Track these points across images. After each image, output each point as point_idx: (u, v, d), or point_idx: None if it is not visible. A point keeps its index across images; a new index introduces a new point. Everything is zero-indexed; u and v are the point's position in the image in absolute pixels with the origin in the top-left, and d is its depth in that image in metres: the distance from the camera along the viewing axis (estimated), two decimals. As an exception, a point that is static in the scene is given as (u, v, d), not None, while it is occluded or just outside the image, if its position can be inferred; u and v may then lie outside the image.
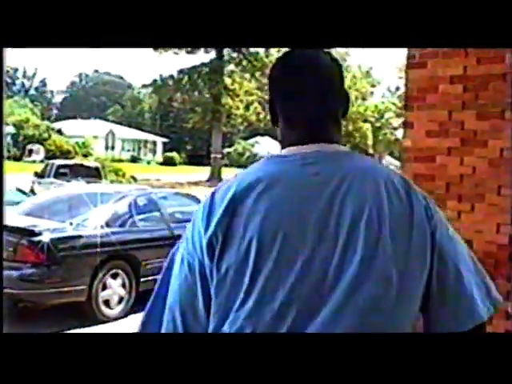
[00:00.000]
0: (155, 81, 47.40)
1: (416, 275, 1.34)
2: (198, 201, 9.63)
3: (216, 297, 1.34)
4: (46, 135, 47.34)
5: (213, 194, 1.42)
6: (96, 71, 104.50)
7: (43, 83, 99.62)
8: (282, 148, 1.47)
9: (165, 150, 68.54)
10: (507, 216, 4.56)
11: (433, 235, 1.40)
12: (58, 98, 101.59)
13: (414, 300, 1.35)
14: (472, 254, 1.54)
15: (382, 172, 1.45)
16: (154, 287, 1.60)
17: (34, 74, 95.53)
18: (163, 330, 1.53)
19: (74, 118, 66.74)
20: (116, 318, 6.96)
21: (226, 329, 1.37)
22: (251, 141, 73.17)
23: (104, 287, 6.90)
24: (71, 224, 6.93)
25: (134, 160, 61.90)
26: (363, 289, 1.27)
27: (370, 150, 63.01)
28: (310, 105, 1.44)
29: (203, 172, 43.89)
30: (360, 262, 1.26)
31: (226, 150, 62.18)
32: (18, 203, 8.85)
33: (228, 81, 41.22)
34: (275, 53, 36.34)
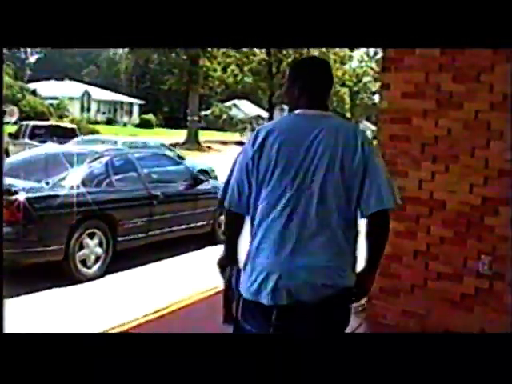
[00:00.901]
0: (131, 41, 46.76)
1: (355, 180, 2.52)
2: (174, 162, 9.63)
3: (255, 188, 2.62)
4: (19, 96, 46.62)
5: (257, 132, 2.68)
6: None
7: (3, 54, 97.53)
8: (295, 109, 2.70)
9: (141, 112, 67.84)
10: (480, 177, 4.64)
11: (365, 159, 2.53)
12: (31, 59, 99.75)
13: (353, 191, 2.52)
14: (387, 174, 2.63)
15: (346, 125, 2.71)
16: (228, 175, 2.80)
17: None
18: (229, 193, 2.74)
19: (49, 78, 65.55)
20: (93, 278, 6.98)
21: (263, 196, 2.59)
22: (228, 103, 72.72)
23: (81, 247, 6.90)
24: (47, 183, 6.89)
25: (110, 122, 61.23)
26: (327, 184, 2.50)
27: (348, 114, 63.04)
28: (316, 90, 2.71)
29: (180, 135, 43.65)
30: (325, 169, 2.50)
31: (203, 112, 61.80)
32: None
33: (205, 42, 40.74)
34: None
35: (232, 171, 2.75)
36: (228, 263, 2.92)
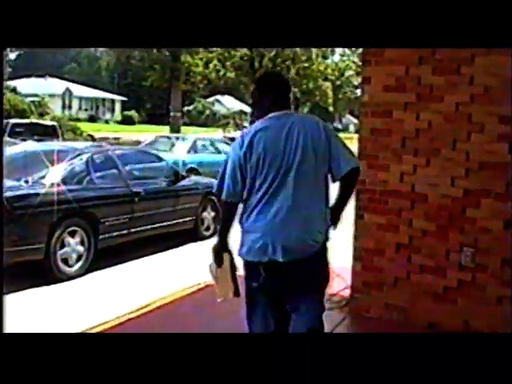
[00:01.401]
0: (112, 37, 46.44)
1: (324, 155, 3.26)
2: (157, 158, 9.57)
3: (247, 177, 3.27)
4: (-1, 93, 46.21)
5: (242, 135, 3.36)
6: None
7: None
8: (265, 115, 3.38)
9: (123, 109, 67.51)
10: (462, 170, 4.65)
11: (328, 140, 3.28)
12: (11, 55, 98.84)
13: (323, 165, 3.27)
14: (346, 146, 3.35)
15: (311, 118, 3.47)
16: (222, 170, 3.40)
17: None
18: (225, 187, 3.35)
19: (29, 76, 64.97)
20: (75, 276, 6.92)
21: (257, 184, 3.27)
22: (211, 99, 72.55)
23: (62, 245, 6.83)
24: (27, 182, 6.82)
25: (92, 119, 60.87)
26: (304, 164, 3.23)
27: (331, 108, 63.13)
28: (282, 97, 3.44)
29: (162, 131, 43.48)
30: (301, 152, 3.22)
31: (186, 108, 61.62)
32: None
33: (187, 38, 40.55)
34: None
35: (224, 170, 3.39)
36: (222, 249, 3.55)
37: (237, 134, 53.50)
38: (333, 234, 3.42)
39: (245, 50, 48.39)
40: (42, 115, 38.78)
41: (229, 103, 75.68)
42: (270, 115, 3.37)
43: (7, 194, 6.34)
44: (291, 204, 3.23)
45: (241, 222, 3.45)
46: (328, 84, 57.00)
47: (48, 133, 19.41)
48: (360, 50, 7.37)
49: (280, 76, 4.05)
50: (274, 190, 3.25)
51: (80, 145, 10.33)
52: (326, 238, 3.36)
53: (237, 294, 3.66)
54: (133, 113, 63.57)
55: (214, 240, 3.61)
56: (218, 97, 74.69)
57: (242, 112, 65.83)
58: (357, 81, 54.78)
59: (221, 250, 3.56)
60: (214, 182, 7.87)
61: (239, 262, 3.53)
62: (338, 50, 60.96)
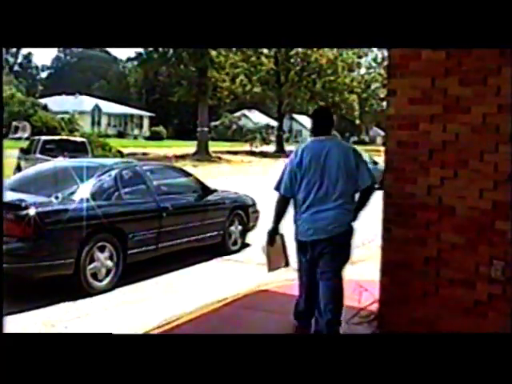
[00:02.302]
0: (140, 54, 46.89)
1: (352, 173, 4.88)
2: (185, 173, 9.62)
3: (298, 180, 4.94)
4: (31, 111, 46.88)
5: (297, 150, 5.08)
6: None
7: (28, 59, 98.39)
8: (315, 137, 5.08)
9: (151, 125, 68.13)
10: (490, 181, 4.59)
11: (356, 161, 4.91)
12: (43, 74, 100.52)
13: (350, 179, 4.86)
14: (368, 168, 4.99)
15: (344, 144, 5.30)
16: (282, 174, 5.11)
17: (18, 50, 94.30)
18: (283, 185, 5.02)
19: (60, 93, 65.99)
20: (104, 290, 6.97)
21: (303, 185, 4.92)
22: (238, 113, 72.82)
23: (91, 260, 6.90)
24: (57, 198, 6.90)
25: (121, 135, 61.55)
26: (337, 176, 4.85)
27: (357, 121, 62.93)
28: (324, 126, 5.14)
29: (190, 146, 43.75)
30: (336, 168, 4.85)
31: (213, 123, 61.94)
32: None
33: (213, 53, 40.84)
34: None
35: (283, 173, 5.10)
36: (275, 233, 5.29)
37: (263, 147, 53.75)
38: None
39: (271, 65, 48.58)
40: (72, 132, 39.34)
41: (255, 118, 75.89)
42: (315, 138, 5.09)
43: (38, 209, 6.44)
44: (321, 203, 4.89)
45: (295, 217, 5.12)
46: (354, 97, 56.87)
47: (78, 149, 19.61)
48: (386, 63, 7.39)
49: (325, 111, 5.78)
50: (314, 194, 4.90)
51: (109, 161, 10.43)
52: (350, 228, 4.98)
53: (287, 264, 5.52)
54: (161, 128, 64.14)
55: (269, 225, 5.31)
56: (245, 111, 74.94)
57: (268, 126, 65.96)
58: (383, 93, 54.55)
59: (274, 234, 5.31)
60: (241, 196, 8.30)
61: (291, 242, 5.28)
62: (364, 63, 60.84)
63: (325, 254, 4.88)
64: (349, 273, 7.55)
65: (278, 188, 5.09)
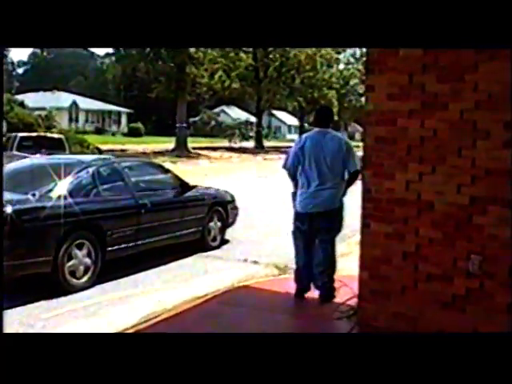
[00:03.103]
0: (118, 50, 46.61)
1: (342, 159, 6.10)
2: (164, 170, 9.58)
3: (298, 161, 6.23)
4: (7, 108, 46.38)
5: (300, 138, 6.46)
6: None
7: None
8: (315, 128, 6.32)
9: (130, 121, 67.77)
10: (468, 177, 4.62)
11: (347, 151, 6.11)
12: (19, 70, 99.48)
13: (340, 164, 6.10)
14: (355, 155, 6.15)
15: (337, 136, 6.32)
16: (286, 157, 6.53)
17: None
18: (287, 163, 6.36)
19: (37, 90, 65.33)
20: (83, 288, 6.93)
21: (303, 167, 6.17)
22: (216, 109, 72.76)
23: (70, 258, 6.84)
24: (34, 195, 6.84)
25: (99, 131, 61.12)
26: (331, 162, 6.06)
27: (336, 117, 63.12)
28: (323, 121, 6.34)
29: (169, 142, 43.61)
30: (331, 155, 6.06)
31: (192, 119, 61.78)
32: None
33: (192, 49, 40.70)
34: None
35: (288, 155, 6.38)
36: (295, 193, 6.36)
37: (243, 143, 53.71)
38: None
39: (250, 61, 48.54)
40: (49, 128, 38.95)
41: (234, 113, 75.86)
42: (316, 129, 6.27)
43: (15, 207, 6.37)
44: (318, 183, 6.07)
45: (295, 193, 6.29)
46: (333, 92, 57.08)
47: (55, 146, 19.45)
48: (364, 59, 7.50)
49: (326, 109, 7.45)
50: (310, 174, 6.09)
51: (87, 158, 10.35)
52: (341, 203, 6.21)
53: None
54: (139, 125, 63.80)
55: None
56: (224, 107, 74.93)
57: (247, 122, 65.95)
58: (361, 89, 54.77)
59: (295, 193, 6.36)
60: (221, 192, 8.16)
61: None
62: (343, 59, 61.04)
63: (321, 228, 6.10)
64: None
65: (284, 166, 6.41)
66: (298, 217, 6.24)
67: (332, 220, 6.12)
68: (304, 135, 6.42)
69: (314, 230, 6.12)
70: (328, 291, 6.10)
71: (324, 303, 6.04)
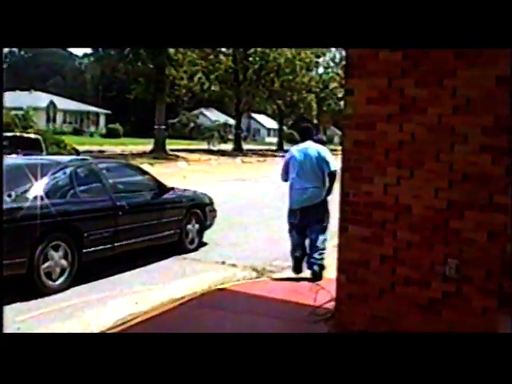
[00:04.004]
0: (97, 50, 46.33)
1: (323, 163, 7.64)
2: (141, 172, 9.53)
3: (291, 170, 7.81)
4: (-18, 107, 45.89)
5: (291, 150, 8.14)
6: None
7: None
8: (301, 142, 8.05)
9: (108, 122, 67.42)
10: (445, 181, 4.65)
11: (326, 157, 7.68)
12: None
13: (322, 168, 7.64)
14: (333, 159, 7.72)
15: (318, 146, 7.84)
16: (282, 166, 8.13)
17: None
18: (281, 174, 8.02)
19: (14, 89, 64.70)
20: (58, 290, 6.86)
21: (293, 173, 7.74)
22: (195, 112, 72.62)
23: (45, 259, 6.77)
24: (10, 196, 6.75)
25: (77, 132, 60.71)
26: (314, 167, 7.65)
27: (315, 121, 63.33)
28: (306, 136, 8.07)
29: (147, 144, 43.43)
30: (314, 162, 7.64)
31: (170, 121, 61.60)
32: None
33: (171, 51, 40.58)
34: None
35: (283, 167, 7.93)
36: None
37: (221, 146, 53.66)
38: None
39: (229, 63, 48.52)
40: (25, 128, 38.56)
41: (213, 116, 75.83)
42: (302, 143, 7.89)
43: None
44: (304, 184, 7.56)
45: (289, 193, 7.75)
46: (312, 96, 57.30)
47: (32, 146, 19.28)
48: (344, 62, 7.62)
49: (306, 128, 8.46)
50: (298, 178, 7.58)
51: (64, 158, 10.27)
52: (325, 199, 7.62)
53: None
54: (117, 126, 63.49)
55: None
56: (203, 109, 74.84)
57: (226, 124, 65.92)
58: (341, 93, 55.02)
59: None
60: (199, 195, 7.86)
61: None
62: (322, 63, 61.27)
63: (312, 219, 7.62)
64: (305, 272, 7.62)
65: (282, 178, 8.00)
66: (292, 212, 7.76)
67: (318, 211, 7.62)
68: (292, 148, 8.30)
69: (305, 223, 7.65)
70: (319, 269, 7.50)
71: (316, 281, 7.25)
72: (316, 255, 7.55)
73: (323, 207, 7.64)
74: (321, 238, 7.65)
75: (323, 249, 7.65)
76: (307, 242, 7.74)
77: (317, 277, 7.40)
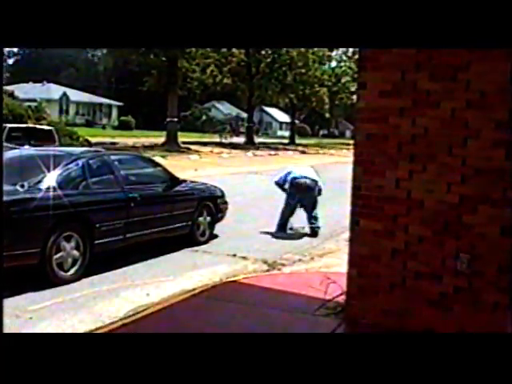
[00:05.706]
0: (110, 43, 46.32)
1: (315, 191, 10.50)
2: (153, 164, 9.55)
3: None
4: (-3, 98, 46.01)
5: (288, 170, 10.77)
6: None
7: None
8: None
9: (120, 114, 67.55)
10: (458, 176, 4.64)
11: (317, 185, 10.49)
12: (9, 61, 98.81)
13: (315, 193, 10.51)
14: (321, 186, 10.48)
15: (312, 170, 10.98)
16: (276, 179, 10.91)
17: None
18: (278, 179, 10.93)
19: (27, 81, 64.91)
20: (70, 281, 6.89)
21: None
22: (207, 104, 72.61)
23: (58, 250, 6.80)
24: (23, 186, 6.78)
25: (89, 124, 60.89)
26: (310, 186, 10.47)
27: (327, 115, 63.19)
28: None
29: (159, 136, 43.47)
30: (307, 189, 10.42)
31: (182, 113, 61.62)
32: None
33: (184, 43, 40.48)
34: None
35: (278, 177, 10.82)
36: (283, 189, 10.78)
37: (233, 139, 53.62)
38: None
39: (242, 56, 48.45)
40: (39, 120, 38.74)
41: (225, 109, 75.76)
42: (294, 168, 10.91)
43: (3, 198, 6.31)
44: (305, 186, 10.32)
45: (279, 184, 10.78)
46: (324, 90, 57.10)
47: (45, 137, 19.37)
48: (357, 56, 7.53)
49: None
50: (297, 188, 10.30)
51: (76, 150, 10.30)
52: (319, 190, 10.44)
53: None
54: (130, 118, 63.60)
55: None
56: (215, 102, 74.78)
57: (238, 118, 65.87)
58: (353, 87, 54.82)
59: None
60: (210, 187, 7.76)
61: None
62: (335, 56, 61.06)
63: (306, 199, 10.35)
64: (316, 265, 7.61)
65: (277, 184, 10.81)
66: (290, 195, 10.35)
67: (314, 196, 10.39)
68: (289, 167, 11.13)
69: (300, 203, 10.46)
70: (314, 227, 10.45)
71: (312, 237, 10.26)
72: (313, 220, 10.43)
73: (316, 194, 10.45)
74: (314, 213, 10.48)
75: (315, 216, 10.46)
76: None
77: (313, 234, 10.38)
